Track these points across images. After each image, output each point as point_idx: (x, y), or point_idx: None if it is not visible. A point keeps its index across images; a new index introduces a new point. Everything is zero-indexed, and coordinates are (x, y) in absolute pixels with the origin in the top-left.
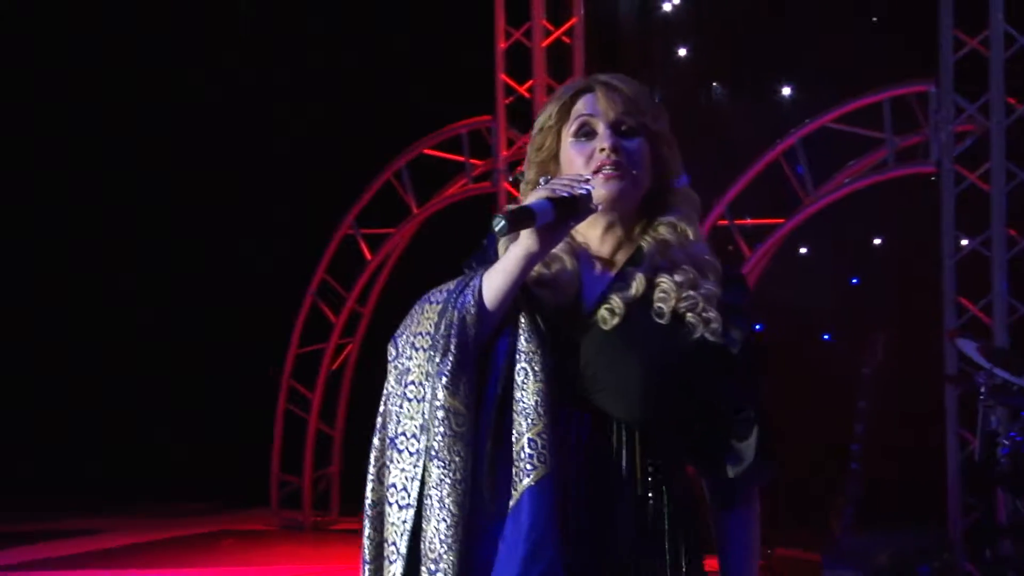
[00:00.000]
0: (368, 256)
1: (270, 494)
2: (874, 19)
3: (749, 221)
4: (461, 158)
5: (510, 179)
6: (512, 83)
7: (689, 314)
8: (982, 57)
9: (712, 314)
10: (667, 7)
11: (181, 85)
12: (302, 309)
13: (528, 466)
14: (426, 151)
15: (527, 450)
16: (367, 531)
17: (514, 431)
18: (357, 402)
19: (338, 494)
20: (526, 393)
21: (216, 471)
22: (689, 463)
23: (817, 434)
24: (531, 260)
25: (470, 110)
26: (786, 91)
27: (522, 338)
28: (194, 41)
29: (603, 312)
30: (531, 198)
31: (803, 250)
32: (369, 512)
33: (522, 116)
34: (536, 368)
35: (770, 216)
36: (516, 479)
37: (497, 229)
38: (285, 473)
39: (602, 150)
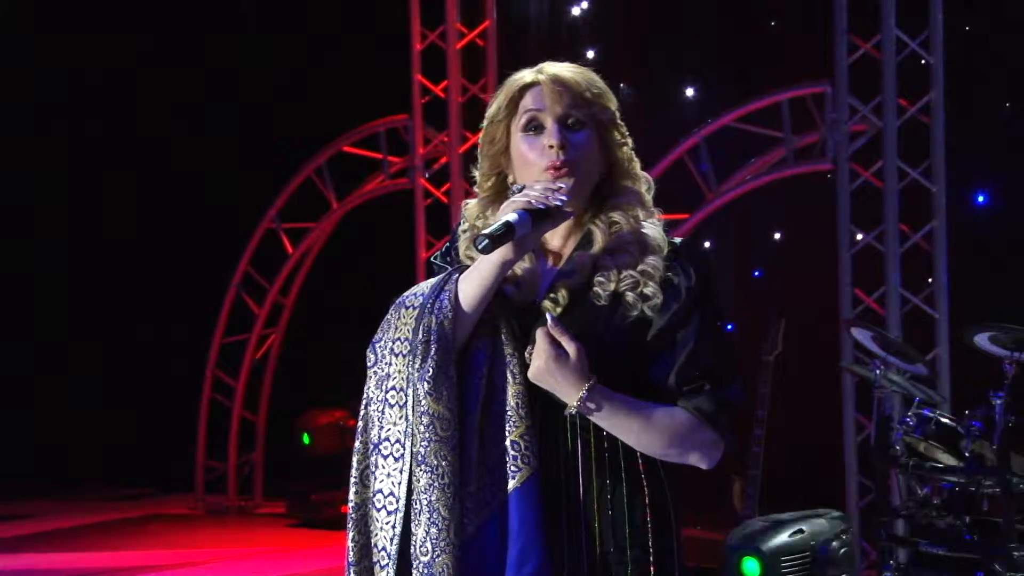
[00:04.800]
0: (290, 249)
1: (195, 479)
2: (772, 23)
3: (658, 217)
4: (379, 155)
5: (426, 176)
6: (427, 83)
7: (628, 293)
8: (875, 60)
9: (651, 289)
10: (576, 11)
11: (110, 84)
12: (226, 300)
13: (513, 468)
14: (345, 148)
15: (511, 452)
16: (351, 534)
17: (497, 434)
18: (279, 390)
19: (261, 479)
20: (507, 395)
21: (143, 458)
22: None
23: None
24: (506, 267)
25: (388, 109)
26: (690, 92)
27: (499, 341)
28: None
29: (547, 303)
30: (507, 209)
31: (707, 244)
32: (353, 515)
33: (437, 115)
34: (515, 370)
35: (675, 211)
36: (502, 481)
37: (481, 248)
38: (210, 459)
39: (550, 147)
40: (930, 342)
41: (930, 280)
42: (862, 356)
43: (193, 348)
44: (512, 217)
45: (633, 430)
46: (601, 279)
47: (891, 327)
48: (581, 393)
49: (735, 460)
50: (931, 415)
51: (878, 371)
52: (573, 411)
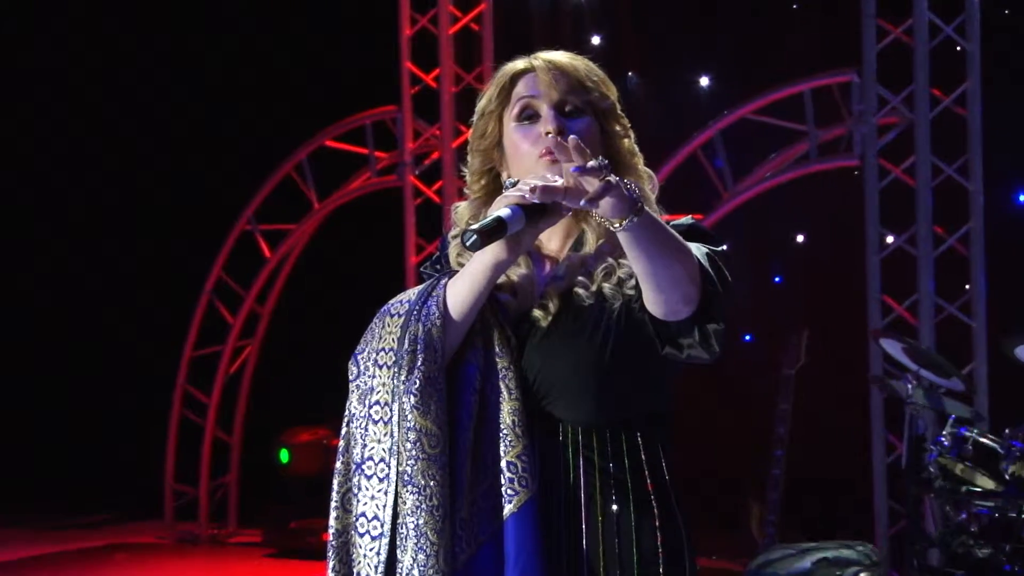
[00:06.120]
0: (267, 253)
1: (164, 505)
2: (795, 6)
3: (666, 217)
4: (365, 150)
5: (416, 173)
6: (418, 72)
7: (605, 285)
8: (906, 47)
9: (625, 271)
10: None
11: (85, 82)
12: (197, 309)
13: (509, 491)
14: (328, 143)
15: (507, 474)
16: (332, 563)
17: (491, 454)
18: (256, 408)
19: (236, 505)
20: (502, 412)
21: (107, 481)
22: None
23: (737, 438)
24: (499, 269)
25: (374, 100)
26: (704, 81)
27: (493, 352)
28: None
29: (537, 312)
30: (500, 204)
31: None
32: (334, 542)
33: (428, 106)
34: (510, 385)
35: (687, 212)
36: (497, 506)
37: (468, 244)
38: (180, 483)
39: (547, 133)
40: (967, 354)
41: (967, 287)
42: (892, 369)
43: (161, 361)
44: (504, 212)
45: (667, 236)
46: (582, 279)
47: (924, 338)
48: (633, 197)
49: (756, 487)
50: (968, 434)
51: (910, 386)
52: (636, 220)
